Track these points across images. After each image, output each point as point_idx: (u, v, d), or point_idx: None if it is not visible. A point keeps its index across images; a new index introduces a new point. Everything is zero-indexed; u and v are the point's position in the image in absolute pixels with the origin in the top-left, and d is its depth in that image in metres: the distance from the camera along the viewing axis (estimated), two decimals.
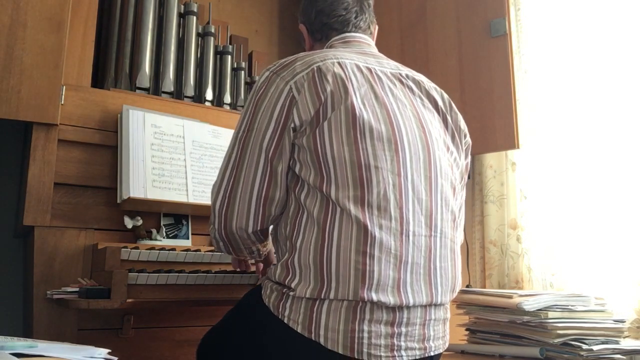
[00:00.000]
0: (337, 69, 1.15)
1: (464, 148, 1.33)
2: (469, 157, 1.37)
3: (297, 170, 1.14)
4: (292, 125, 1.13)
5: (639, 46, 1.80)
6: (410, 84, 1.27)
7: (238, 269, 1.57)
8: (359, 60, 1.22)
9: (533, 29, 2.11)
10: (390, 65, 1.28)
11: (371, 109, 1.14)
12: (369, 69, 1.21)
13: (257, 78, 1.22)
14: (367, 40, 1.36)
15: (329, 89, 1.12)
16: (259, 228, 1.18)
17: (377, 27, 1.43)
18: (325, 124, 1.11)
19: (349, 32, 1.35)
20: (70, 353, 0.87)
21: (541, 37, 2.08)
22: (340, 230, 1.06)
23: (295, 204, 1.14)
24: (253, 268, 1.57)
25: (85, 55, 1.82)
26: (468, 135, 1.35)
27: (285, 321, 1.09)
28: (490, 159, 2.20)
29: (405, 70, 1.29)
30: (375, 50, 1.35)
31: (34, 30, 1.60)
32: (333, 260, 1.06)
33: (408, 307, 1.10)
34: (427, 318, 1.13)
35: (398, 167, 1.12)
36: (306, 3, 1.41)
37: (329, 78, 1.13)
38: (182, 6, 2.15)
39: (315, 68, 1.15)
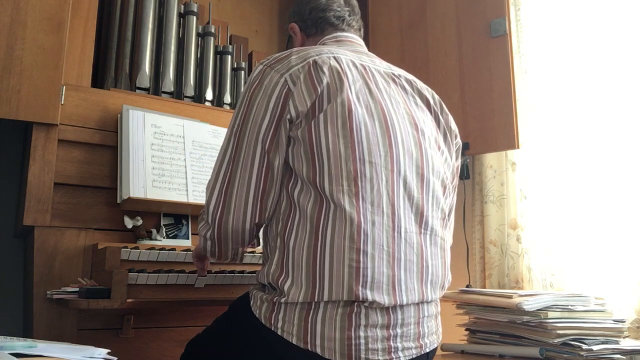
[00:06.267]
0: (333, 62, 1.15)
1: (454, 149, 1.33)
2: (460, 159, 1.37)
3: (290, 163, 1.12)
4: (289, 116, 1.11)
5: (638, 46, 1.80)
6: (403, 82, 1.27)
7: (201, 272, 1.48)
8: (353, 57, 1.22)
9: (533, 29, 2.11)
10: (382, 65, 1.28)
11: (365, 104, 1.13)
12: (363, 66, 1.21)
13: (251, 72, 1.21)
14: (358, 41, 1.37)
15: (325, 81, 1.11)
16: (256, 221, 1.15)
17: (362, 35, 1.44)
18: (321, 116, 1.09)
19: (342, 30, 1.36)
20: (70, 353, 0.87)
21: (541, 37, 2.08)
22: (334, 229, 1.05)
23: (287, 201, 1.12)
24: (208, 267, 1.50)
25: (85, 55, 1.82)
26: (459, 137, 1.35)
27: (279, 333, 1.07)
28: (490, 159, 2.20)
29: (397, 70, 1.30)
30: (366, 50, 1.35)
31: (34, 30, 1.60)
32: (327, 259, 1.04)
33: (402, 307, 1.09)
34: (421, 315, 1.13)
35: (391, 164, 1.12)
36: (298, 2, 1.42)
37: (325, 70, 1.12)
38: (182, 6, 2.15)
39: (311, 61, 1.14)
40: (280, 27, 2.84)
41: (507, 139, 1.98)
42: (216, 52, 2.24)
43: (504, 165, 2.15)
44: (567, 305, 1.54)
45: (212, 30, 2.21)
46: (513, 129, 1.97)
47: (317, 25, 1.37)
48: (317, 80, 1.11)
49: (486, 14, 2.09)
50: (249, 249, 1.55)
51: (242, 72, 2.30)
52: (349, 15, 1.37)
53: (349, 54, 1.22)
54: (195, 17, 2.15)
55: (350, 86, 1.13)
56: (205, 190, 1.20)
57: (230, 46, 2.27)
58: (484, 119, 2.04)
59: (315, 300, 1.04)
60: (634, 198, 1.76)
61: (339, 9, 1.37)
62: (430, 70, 2.24)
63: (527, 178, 2.07)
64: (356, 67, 1.19)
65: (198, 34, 2.18)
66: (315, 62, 1.14)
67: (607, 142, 1.85)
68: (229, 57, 2.25)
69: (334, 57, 1.16)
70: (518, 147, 1.97)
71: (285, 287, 1.06)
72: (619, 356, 1.47)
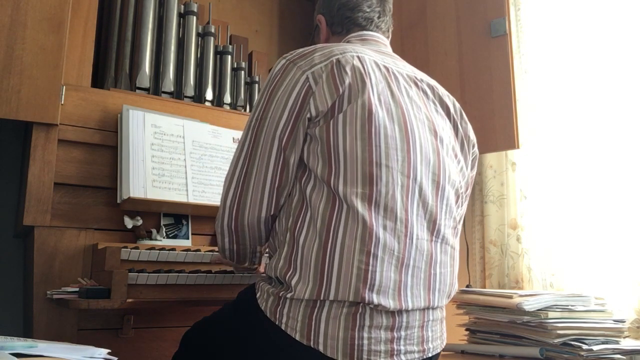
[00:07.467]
0: (357, 62, 1.13)
1: (471, 158, 1.32)
2: (475, 169, 1.36)
3: (305, 159, 1.12)
4: (308, 115, 1.10)
5: (638, 46, 1.80)
6: (425, 87, 1.26)
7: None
8: (376, 57, 1.20)
9: (533, 29, 2.11)
10: (406, 68, 1.26)
11: (386, 107, 1.12)
12: (387, 68, 1.19)
13: (273, 66, 1.19)
14: (384, 41, 1.35)
15: (347, 81, 1.10)
16: (271, 213, 1.16)
17: (390, 36, 1.41)
18: (341, 116, 1.09)
19: (370, 30, 1.34)
20: (70, 353, 0.88)
21: (541, 37, 2.08)
22: (346, 229, 1.05)
23: (299, 196, 1.12)
24: None
25: (85, 55, 1.82)
26: (476, 146, 1.34)
27: (283, 328, 1.07)
28: (490, 159, 2.20)
29: (420, 74, 1.28)
30: (391, 51, 1.33)
31: (34, 30, 1.60)
32: (336, 259, 1.04)
33: (407, 311, 1.09)
34: (425, 319, 1.13)
35: (408, 169, 1.11)
36: None
37: (348, 70, 1.11)
38: (182, 6, 2.15)
39: (334, 60, 1.12)
40: (280, 27, 2.84)
41: (507, 139, 1.98)
42: (216, 52, 2.24)
43: (504, 165, 2.15)
44: (567, 305, 1.54)
45: (212, 30, 2.21)
46: (513, 129, 1.97)
47: (344, 25, 1.35)
48: (339, 80, 1.10)
49: (486, 14, 2.09)
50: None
51: (242, 72, 2.30)
52: (379, 17, 1.35)
53: (372, 54, 1.20)
54: (195, 17, 2.15)
55: (372, 88, 1.12)
56: (223, 184, 1.20)
57: (230, 46, 2.27)
58: (484, 119, 2.04)
59: (321, 298, 1.05)
60: (633, 198, 1.76)
61: (368, 10, 1.34)
62: (430, 70, 2.23)
63: (527, 178, 2.07)
64: (379, 68, 1.17)
65: (198, 34, 2.18)
66: (338, 61, 1.12)
67: (607, 142, 1.85)
68: (229, 57, 2.25)
69: (358, 57, 1.15)
70: (518, 147, 1.97)
71: (293, 283, 1.07)
72: (619, 356, 1.47)
